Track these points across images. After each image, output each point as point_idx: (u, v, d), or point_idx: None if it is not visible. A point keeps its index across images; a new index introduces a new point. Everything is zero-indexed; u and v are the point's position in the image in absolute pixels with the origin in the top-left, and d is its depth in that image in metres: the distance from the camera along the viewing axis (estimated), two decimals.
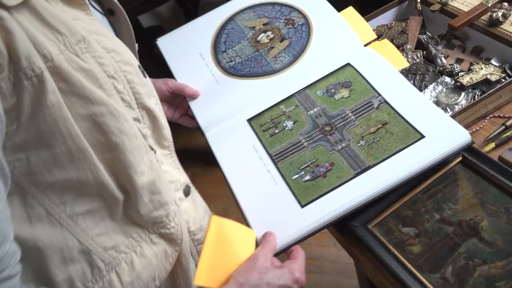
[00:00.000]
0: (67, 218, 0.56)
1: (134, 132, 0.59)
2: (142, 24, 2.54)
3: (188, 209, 0.75)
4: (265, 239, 0.70)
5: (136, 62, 0.64)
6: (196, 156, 2.16)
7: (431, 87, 0.90)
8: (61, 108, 0.51)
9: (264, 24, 1.04)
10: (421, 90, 0.92)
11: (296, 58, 0.97)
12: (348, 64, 0.92)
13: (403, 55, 1.00)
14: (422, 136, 0.76)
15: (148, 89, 0.66)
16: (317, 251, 1.86)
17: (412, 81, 0.91)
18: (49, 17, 0.51)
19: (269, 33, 1.02)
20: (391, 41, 1.04)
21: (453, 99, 0.86)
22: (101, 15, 0.68)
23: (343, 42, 0.96)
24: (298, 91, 0.91)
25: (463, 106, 0.85)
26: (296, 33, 1.00)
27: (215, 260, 0.66)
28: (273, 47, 1.00)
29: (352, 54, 0.93)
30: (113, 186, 0.58)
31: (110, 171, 0.58)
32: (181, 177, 0.75)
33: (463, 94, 0.86)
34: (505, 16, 0.93)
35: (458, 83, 0.87)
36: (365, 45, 0.95)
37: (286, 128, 0.86)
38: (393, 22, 1.08)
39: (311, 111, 0.87)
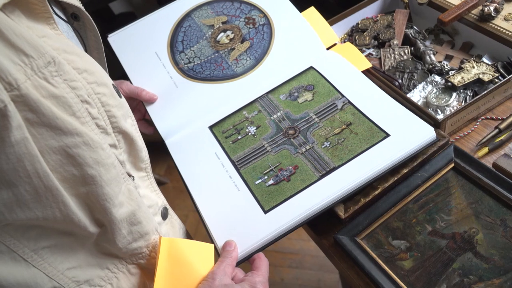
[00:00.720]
0: (31, 252, 0.50)
1: (112, 161, 0.53)
2: (113, 11, 2.42)
3: (167, 233, 0.69)
4: (224, 250, 0.66)
5: (110, 81, 0.58)
6: None
7: (420, 86, 0.85)
8: (27, 146, 0.44)
9: (223, 23, 0.99)
10: (409, 89, 0.86)
11: (258, 61, 0.93)
12: (311, 67, 0.90)
13: (389, 51, 0.94)
14: (387, 135, 0.74)
15: (124, 110, 0.59)
16: (297, 245, 1.83)
17: (400, 80, 0.86)
18: (14, 37, 0.44)
19: (228, 32, 0.97)
20: (377, 35, 0.98)
21: (444, 100, 0.81)
22: (66, 24, 0.61)
23: (306, 46, 0.94)
24: (261, 96, 0.89)
25: (455, 108, 0.81)
26: (257, 34, 0.96)
27: (171, 283, 0.61)
28: (233, 49, 0.95)
29: (315, 57, 0.92)
30: (85, 222, 0.52)
31: (84, 205, 0.52)
32: (159, 199, 0.70)
33: (454, 94, 0.81)
34: (497, 11, 0.88)
35: (449, 83, 0.82)
36: (328, 49, 0.93)
37: (249, 133, 0.83)
38: (379, 15, 1.02)
39: (274, 116, 0.85)
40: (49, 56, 0.47)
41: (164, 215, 0.69)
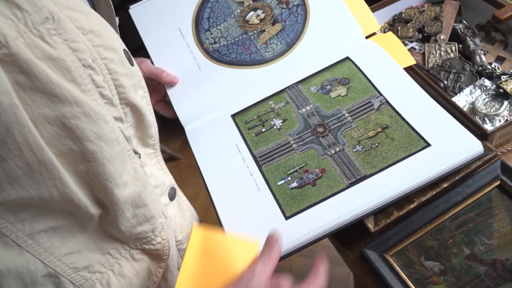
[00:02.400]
0: (26, 237, 0.45)
1: (116, 136, 0.47)
2: None
3: (174, 216, 0.65)
4: (266, 244, 0.54)
5: (121, 46, 0.51)
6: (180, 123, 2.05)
7: (467, 90, 0.77)
8: (16, 113, 0.38)
9: (254, 0, 0.90)
10: (454, 92, 0.79)
11: (289, 46, 0.86)
12: (347, 58, 0.82)
13: (435, 47, 0.86)
14: (428, 145, 0.67)
15: (135, 80, 0.53)
16: None
17: (445, 80, 0.78)
18: None
19: (259, 11, 0.89)
20: (422, 28, 0.90)
21: (494, 108, 0.74)
22: None
23: (343, 32, 0.85)
24: (290, 85, 0.82)
25: (505, 118, 0.73)
26: (290, 16, 0.88)
27: (197, 281, 0.53)
28: (263, 31, 0.87)
29: (352, 46, 0.84)
30: (85, 202, 0.46)
31: (84, 184, 0.46)
32: (166, 179, 0.65)
33: (505, 103, 0.73)
34: None
35: (501, 90, 0.74)
36: (367, 37, 0.85)
37: (274, 127, 0.77)
38: (426, 5, 0.93)
39: (303, 109, 0.78)
40: (47, 11, 0.41)
41: (172, 196, 0.65)
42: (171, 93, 0.85)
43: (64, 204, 0.44)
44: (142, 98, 0.55)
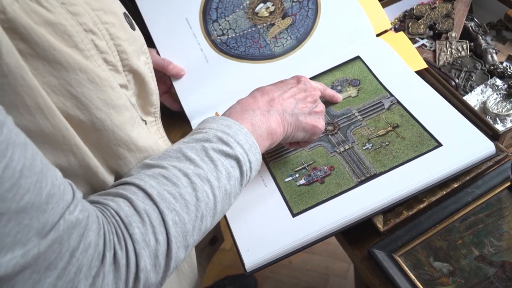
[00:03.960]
0: None
1: (124, 102, 0.46)
2: None
3: None
4: None
5: (120, 9, 0.50)
6: None
7: (478, 89, 0.77)
8: (24, 76, 0.36)
9: None
10: (465, 91, 0.78)
11: (299, 42, 0.85)
12: (358, 57, 0.81)
13: (446, 44, 0.85)
14: (439, 145, 0.66)
15: (137, 45, 0.51)
16: None
17: (456, 79, 0.77)
18: None
19: (269, 4, 0.88)
20: (433, 25, 0.89)
21: (505, 108, 0.73)
22: None
23: (354, 29, 0.84)
24: None
25: None
26: (301, 10, 0.86)
27: None
28: (273, 24, 0.86)
29: (363, 45, 0.83)
30: (102, 169, 0.46)
31: (96, 152, 0.45)
32: (166, 146, 0.64)
33: None
34: None
35: None
36: (377, 35, 0.84)
37: None
38: (437, 2, 0.92)
39: None
40: None
41: None
42: (178, 85, 0.83)
43: (82, 171, 0.43)
44: (145, 65, 0.54)
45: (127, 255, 0.39)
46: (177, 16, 0.89)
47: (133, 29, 0.51)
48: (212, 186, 0.46)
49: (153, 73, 0.56)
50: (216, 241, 0.82)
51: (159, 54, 0.85)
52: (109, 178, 0.47)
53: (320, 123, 0.63)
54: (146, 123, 0.55)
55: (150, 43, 0.88)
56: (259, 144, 0.54)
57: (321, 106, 0.65)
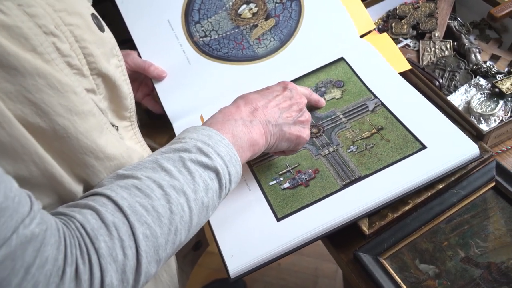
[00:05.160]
0: None
1: (89, 108, 0.44)
2: None
3: None
4: None
5: (88, 10, 0.48)
6: None
7: (462, 89, 0.76)
8: None
9: None
10: (449, 91, 0.78)
11: (283, 43, 0.84)
12: (342, 59, 0.80)
13: (429, 44, 0.85)
14: (423, 147, 0.65)
15: (107, 48, 0.50)
16: None
17: (440, 79, 0.77)
18: None
19: (252, 5, 0.87)
20: (417, 25, 0.88)
21: (489, 108, 0.72)
22: None
23: (337, 30, 0.83)
24: None
25: (501, 118, 0.72)
26: (284, 11, 0.86)
27: None
28: (256, 25, 0.85)
29: (347, 46, 0.82)
30: (68, 178, 0.44)
31: (61, 161, 0.43)
32: (144, 152, 0.62)
33: (501, 103, 0.72)
34: None
35: (496, 89, 0.73)
36: (361, 36, 0.83)
37: None
38: (420, 1, 0.92)
39: None
40: None
41: None
42: (159, 88, 0.82)
43: (46, 181, 0.42)
44: (116, 68, 0.52)
45: (91, 270, 0.37)
46: (159, 17, 0.88)
47: (102, 31, 0.49)
48: (188, 198, 0.44)
49: (126, 76, 0.55)
50: (200, 246, 0.81)
51: (140, 56, 0.84)
52: (77, 188, 0.45)
53: (305, 132, 0.62)
54: (117, 129, 0.53)
55: (133, 45, 0.87)
56: (240, 155, 0.53)
57: (307, 115, 0.64)
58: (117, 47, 0.53)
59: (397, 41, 0.88)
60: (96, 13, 0.49)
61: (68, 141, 0.42)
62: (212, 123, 0.55)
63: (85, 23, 0.45)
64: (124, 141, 0.56)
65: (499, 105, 0.72)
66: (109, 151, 0.47)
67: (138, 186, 0.42)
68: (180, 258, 0.72)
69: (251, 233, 0.63)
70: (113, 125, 0.51)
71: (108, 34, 0.50)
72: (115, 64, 0.52)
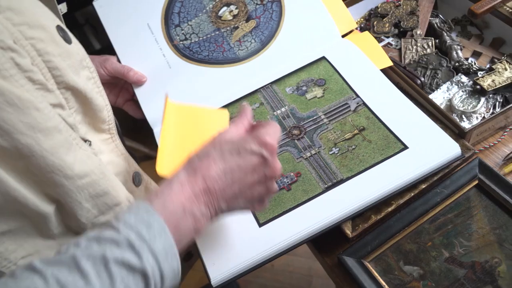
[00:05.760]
0: None
1: (55, 124, 0.43)
2: None
3: None
4: (239, 114, 0.54)
5: (52, 22, 0.46)
6: None
7: (444, 87, 0.76)
8: None
9: None
10: (431, 89, 0.77)
11: (264, 45, 0.83)
12: (324, 58, 0.80)
13: (411, 42, 0.84)
14: (405, 147, 0.65)
15: (74, 60, 0.48)
16: None
17: (422, 77, 0.77)
18: None
19: (232, 7, 0.86)
20: (398, 23, 0.88)
21: (471, 105, 0.72)
22: None
23: (319, 30, 0.83)
24: (264, 86, 0.79)
25: (482, 115, 0.72)
26: (265, 12, 0.85)
27: (176, 148, 0.57)
28: (237, 27, 0.84)
29: (329, 46, 0.81)
30: (34, 200, 0.42)
31: (28, 180, 0.42)
32: (128, 164, 0.61)
33: (482, 100, 0.72)
34: None
35: (478, 86, 0.73)
36: (343, 36, 0.83)
37: None
38: None
39: (278, 111, 0.75)
40: None
41: (137, 181, 0.61)
42: (139, 92, 0.81)
43: (10, 205, 0.41)
44: (88, 80, 0.51)
45: None
46: (138, 21, 0.87)
47: (69, 42, 0.48)
48: None
49: (100, 88, 0.53)
50: (191, 257, 0.80)
51: (120, 61, 0.83)
52: (48, 208, 0.43)
53: (262, 206, 0.53)
54: (90, 144, 0.51)
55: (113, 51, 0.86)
56: (178, 249, 0.45)
57: (273, 189, 0.52)
58: (88, 59, 0.51)
59: (379, 40, 0.87)
60: (62, 25, 0.48)
61: (34, 160, 0.41)
62: (159, 205, 0.45)
63: (49, 35, 0.44)
64: (103, 155, 0.54)
65: (481, 102, 0.72)
66: (78, 168, 0.45)
67: None
68: None
69: (232, 239, 0.62)
70: (85, 140, 0.50)
71: (75, 46, 0.49)
72: (86, 76, 0.50)
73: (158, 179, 0.69)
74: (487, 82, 0.73)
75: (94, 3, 0.89)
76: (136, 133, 0.74)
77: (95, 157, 0.49)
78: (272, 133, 0.49)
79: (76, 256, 0.39)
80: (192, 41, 0.85)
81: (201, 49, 0.84)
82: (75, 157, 0.45)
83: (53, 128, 0.42)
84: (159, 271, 0.42)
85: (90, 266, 0.39)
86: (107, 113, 0.55)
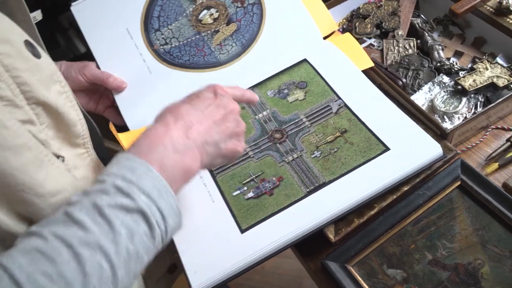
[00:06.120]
0: None
1: (24, 141, 0.42)
2: None
3: None
4: None
5: (20, 37, 0.45)
6: None
7: (426, 87, 0.76)
8: None
9: None
10: (413, 90, 0.77)
11: (245, 48, 0.82)
12: (305, 60, 0.79)
13: (393, 43, 0.84)
14: (387, 149, 0.65)
15: (44, 74, 0.47)
16: None
17: (404, 78, 0.76)
18: None
19: (213, 10, 0.85)
20: (380, 23, 0.88)
21: (453, 106, 0.72)
22: None
23: (300, 33, 0.82)
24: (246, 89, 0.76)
25: (464, 115, 0.72)
26: (245, 15, 0.84)
27: None
28: (218, 31, 0.83)
29: (310, 48, 0.81)
30: (6, 221, 0.41)
31: None
32: None
33: (464, 100, 0.72)
34: None
35: (459, 86, 0.73)
36: (325, 38, 0.82)
37: None
38: (383, 0, 0.91)
39: (260, 115, 0.74)
40: None
41: None
42: (119, 99, 0.80)
43: None
44: (59, 95, 0.49)
45: None
46: (117, 26, 0.85)
47: (38, 57, 0.46)
48: (106, 253, 0.40)
49: (73, 102, 0.52)
50: (176, 269, 0.78)
51: (99, 67, 0.81)
52: (19, 227, 0.42)
53: (240, 146, 0.57)
54: (63, 160, 0.50)
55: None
56: (172, 187, 0.46)
57: (242, 125, 0.57)
58: (58, 73, 0.50)
59: (361, 41, 0.87)
60: (30, 39, 0.46)
61: (3, 179, 0.39)
62: (137, 152, 0.47)
63: (16, 50, 0.43)
64: (78, 170, 0.53)
65: (462, 103, 0.72)
66: (50, 186, 0.44)
67: (42, 250, 0.38)
68: (153, 282, 0.69)
69: (214, 247, 0.61)
70: (58, 156, 0.48)
71: (45, 60, 0.48)
72: (57, 91, 0.49)
73: None
74: (468, 82, 0.73)
75: (72, 8, 0.87)
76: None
77: (68, 174, 0.48)
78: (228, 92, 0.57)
79: (68, 211, 0.41)
80: (173, 45, 0.84)
81: (181, 53, 0.83)
82: (47, 174, 0.44)
83: (23, 145, 0.41)
84: (157, 208, 0.44)
85: (84, 215, 0.40)
86: (81, 127, 0.53)
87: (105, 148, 0.80)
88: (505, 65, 0.75)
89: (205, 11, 0.86)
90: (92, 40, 0.84)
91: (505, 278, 0.57)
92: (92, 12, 0.87)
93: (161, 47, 0.84)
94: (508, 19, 0.79)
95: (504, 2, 0.78)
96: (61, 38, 2.41)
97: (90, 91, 0.81)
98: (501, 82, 0.72)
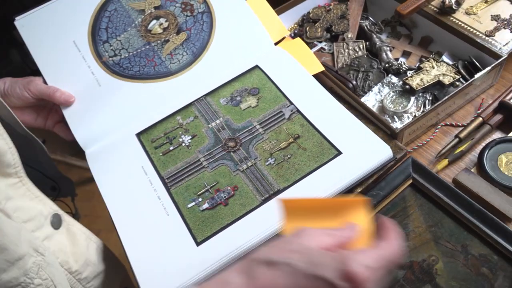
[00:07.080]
0: None
1: None
2: None
3: (63, 245, 0.58)
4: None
5: None
6: None
7: (376, 88, 0.77)
8: None
9: (155, 8, 0.85)
10: (364, 92, 0.78)
11: (196, 57, 0.81)
12: (257, 66, 0.79)
13: (343, 46, 0.85)
14: (339, 153, 0.65)
15: None
16: None
17: (354, 81, 0.77)
18: None
19: (162, 20, 0.84)
20: (330, 27, 0.89)
21: (402, 105, 0.73)
22: None
23: (251, 39, 0.82)
24: (198, 98, 0.77)
25: (413, 114, 0.73)
26: (195, 24, 0.83)
27: None
28: (168, 40, 0.82)
29: (262, 54, 0.81)
30: None
31: None
32: (44, 206, 0.57)
33: (412, 99, 0.73)
34: (458, 3, 0.80)
35: (407, 86, 0.74)
36: (276, 44, 0.82)
37: (183, 144, 0.72)
38: (332, 4, 0.92)
39: (213, 123, 0.74)
40: None
41: (56, 224, 0.58)
42: (68, 113, 0.77)
43: None
44: None
45: None
46: (63, 39, 0.83)
47: None
48: None
49: (1, 131, 0.50)
50: None
51: (46, 82, 0.79)
52: None
53: None
54: None
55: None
56: None
57: None
58: None
59: (312, 45, 0.88)
60: None
61: None
62: None
63: None
64: (12, 201, 0.50)
65: (411, 102, 0.73)
66: None
67: None
68: None
69: (170, 261, 0.60)
70: None
71: None
72: None
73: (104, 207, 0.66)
74: (415, 81, 0.74)
75: (16, 23, 0.84)
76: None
77: None
78: (371, 259, 0.36)
79: None
80: (122, 56, 0.82)
81: (131, 64, 0.81)
82: None
83: None
84: None
85: None
86: (12, 156, 0.51)
87: (55, 168, 0.78)
88: (450, 63, 0.77)
89: (154, 21, 0.85)
90: (38, 54, 0.82)
91: (458, 273, 0.58)
92: (37, 25, 0.84)
93: (110, 58, 0.82)
94: (452, 18, 0.81)
95: (447, 2, 0.80)
96: (17, 53, 2.34)
97: (38, 107, 0.78)
98: (447, 80, 0.73)
